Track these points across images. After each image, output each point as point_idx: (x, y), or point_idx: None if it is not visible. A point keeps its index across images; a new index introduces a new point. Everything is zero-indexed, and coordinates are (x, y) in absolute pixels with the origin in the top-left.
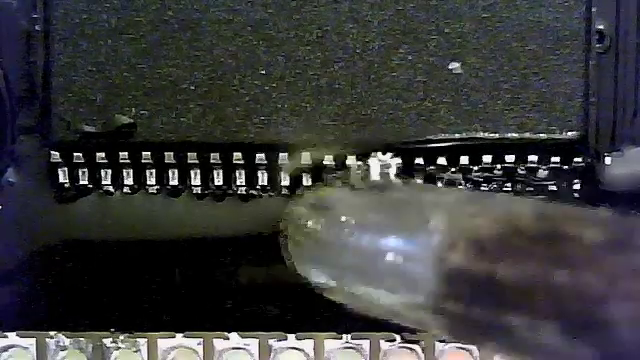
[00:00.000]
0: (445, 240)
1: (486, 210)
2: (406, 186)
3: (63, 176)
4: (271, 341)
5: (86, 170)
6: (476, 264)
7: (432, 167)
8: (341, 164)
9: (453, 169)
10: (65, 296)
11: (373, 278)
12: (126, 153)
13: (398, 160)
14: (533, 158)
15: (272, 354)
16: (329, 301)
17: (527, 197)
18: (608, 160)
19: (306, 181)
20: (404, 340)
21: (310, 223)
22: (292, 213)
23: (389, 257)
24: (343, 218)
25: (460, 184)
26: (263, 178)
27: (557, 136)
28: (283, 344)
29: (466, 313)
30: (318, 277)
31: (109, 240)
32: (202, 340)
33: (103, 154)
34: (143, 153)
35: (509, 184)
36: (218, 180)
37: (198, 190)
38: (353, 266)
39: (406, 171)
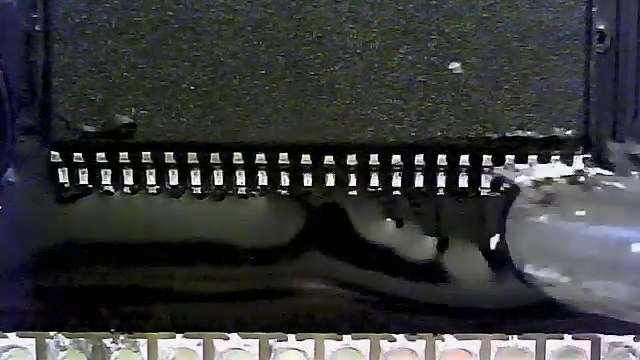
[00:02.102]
0: None
1: None
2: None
3: (63, 176)
4: (271, 341)
5: (86, 170)
6: None
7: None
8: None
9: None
10: (65, 296)
11: (614, 271)
12: (126, 153)
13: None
14: (533, 158)
15: (272, 354)
16: (328, 301)
17: None
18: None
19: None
20: (407, 340)
21: (541, 219)
22: (517, 210)
23: (635, 248)
24: (578, 212)
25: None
26: (263, 178)
27: (557, 135)
28: (283, 344)
29: None
30: (549, 273)
31: (109, 240)
32: (202, 340)
33: (103, 154)
34: (143, 153)
35: None
36: (218, 180)
37: (198, 190)
38: (589, 260)
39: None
